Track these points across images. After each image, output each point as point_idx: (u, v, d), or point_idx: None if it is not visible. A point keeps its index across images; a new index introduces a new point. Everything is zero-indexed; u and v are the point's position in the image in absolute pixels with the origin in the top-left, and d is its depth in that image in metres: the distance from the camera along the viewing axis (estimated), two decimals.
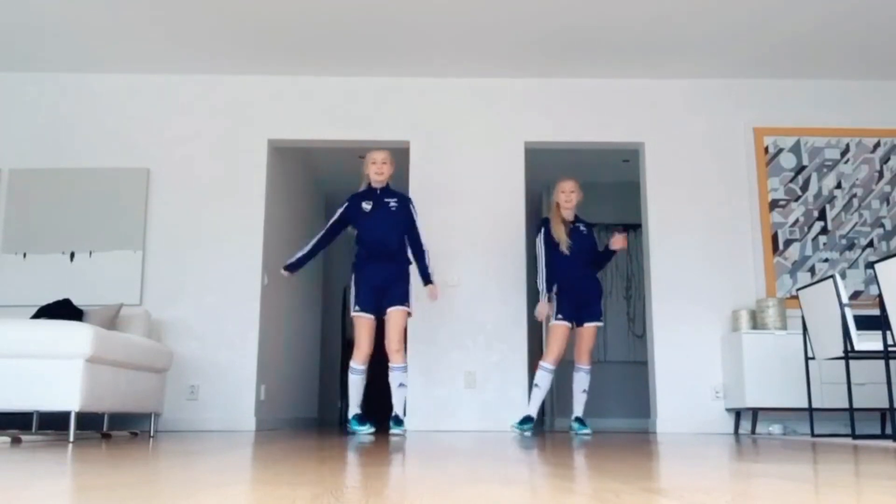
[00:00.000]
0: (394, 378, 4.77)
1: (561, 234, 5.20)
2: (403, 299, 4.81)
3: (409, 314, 4.86)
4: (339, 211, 4.96)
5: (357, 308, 4.80)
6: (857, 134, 6.10)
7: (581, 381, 5.22)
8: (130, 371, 4.32)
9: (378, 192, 4.93)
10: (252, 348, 5.75)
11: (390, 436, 4.43)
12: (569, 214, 5.31)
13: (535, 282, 5.33)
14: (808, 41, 5.62)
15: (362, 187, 4.99)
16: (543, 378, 5.14)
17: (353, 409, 4.81)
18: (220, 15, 5.27)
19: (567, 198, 5.27)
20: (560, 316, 5.16)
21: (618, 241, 5.27)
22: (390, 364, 4.79)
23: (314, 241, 5.01)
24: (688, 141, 6.12)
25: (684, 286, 5.90)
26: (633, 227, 8.39)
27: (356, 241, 4.93)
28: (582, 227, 5.34)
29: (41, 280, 5.74)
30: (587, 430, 5.20)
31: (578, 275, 5.21)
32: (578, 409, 5.25)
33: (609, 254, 5.37)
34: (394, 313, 4.77)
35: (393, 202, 4.92)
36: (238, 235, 5.90)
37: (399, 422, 4.71)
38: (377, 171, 4.90)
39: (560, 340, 5.14)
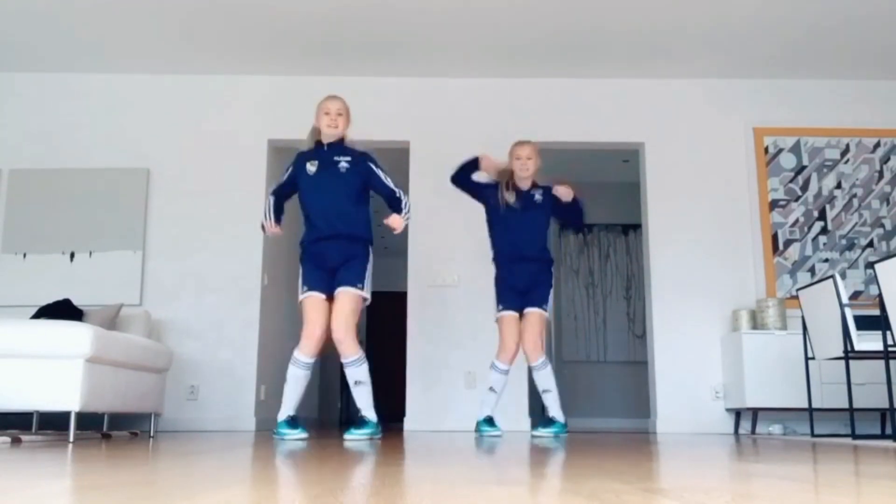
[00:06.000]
0: (349, 375, 3.92)
1: (506, 197, 4.55)
2: (355, 280, 3.93)
3: (364, 300, 3.97)
4: (288, 172, 4.14)
5: (305, 288, 3.96)
6: (857, 134, 6.10)
7: (540, 381, 4.53)
8: (130, 371, 4.32)
9: (326, 148, 4.04)
10: (252, 348, 5.75)
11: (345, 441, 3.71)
12: (524, 183, 4.61)
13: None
14: (808, 41, 5.62)
15: (308, 145, 4.15)
16: (498, 381, 4.55)
17: (286, 410, 3.94)
18: (220, 15, 5.27)
19: (523, 165, 4.55)
20: (501, 306, 4.58)
21: (563, 192, 4.55)
22: (342, 359, 3.93)
23: (271, 205, 4.17)
24: (688, 141, 6.13)
25: (684, 286, 5.90)
26: (633, 227, 8.40)
27: (303, 212, 4.12)
28: (537, 196, 4.62)
29: (41, 280, 5.74)
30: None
31: (523, 253, 4.56)
32: (553, 409, 4.57)
33: (569, 207, 4.62)
34: (341, 295, 3.91)
35: (344, 162, 3.99)
36: (238, 235, 5.90)
37: (362, 423, 3.89)
38: (330, 124, 4.00)
39: (511, 333, 4.53)
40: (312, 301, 3.94)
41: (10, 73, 6.13)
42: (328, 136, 4.03)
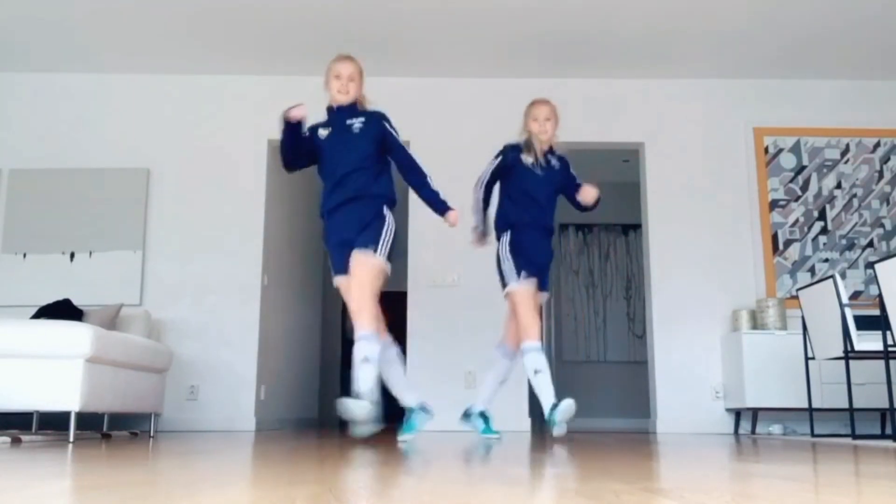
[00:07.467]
0: (356, 350, 3.49)
1: (530, 160, 4.08)
2: (370, 241, 3.59)
3: (382, 268, 3.61)
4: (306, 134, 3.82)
5: (334, 273, 3.75)
6: (857, 134, 6.10)
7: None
8: (130, 371, 4.32)
9: (336, 110, 3.79)
10: (252, 348, 5.75)
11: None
12: (542, 147, 4.15)
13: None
14: (807, 41, 5.62)
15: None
16: (541, 360, 3.85)
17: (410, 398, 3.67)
18: (219, 15, 5.27)
19: (541, 127, 4.08)
20: (524, 273, 3.96)
21: (589, 194, 4.11)
22: (356, 333, 3.53)
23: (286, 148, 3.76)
24: (688, 141, 6.12)
25: (684, 286, 5.90)
26: (633, 227, 8.40)
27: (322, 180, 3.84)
28: (554, 162, 4.16)
29: (41, 280, 5.74)
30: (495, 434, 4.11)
31: (540, 225, 4.06)
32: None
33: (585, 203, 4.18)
34: (356, 262, 3.58)
35: (357, 122, 3.74)
36: (238, 235, 5.90)
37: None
38: (340, 90, 3.75)
39: (534, 307, 3.94)
40: (347, 286, 3.65)
41: (10, 73, 6.13)
42: (338, 101, 3.77)
